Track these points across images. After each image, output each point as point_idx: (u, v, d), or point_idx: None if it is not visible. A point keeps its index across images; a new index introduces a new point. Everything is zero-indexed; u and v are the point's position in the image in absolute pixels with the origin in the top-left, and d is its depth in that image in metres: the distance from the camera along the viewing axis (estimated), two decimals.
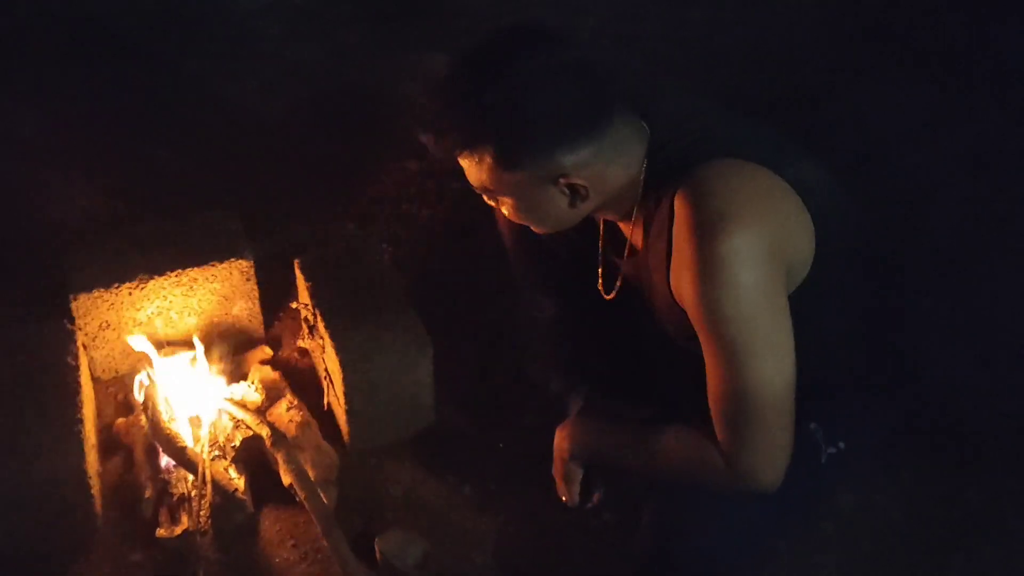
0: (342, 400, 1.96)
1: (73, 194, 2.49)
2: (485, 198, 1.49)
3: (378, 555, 1.77)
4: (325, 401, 2.07)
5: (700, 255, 1.30)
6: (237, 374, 2.11)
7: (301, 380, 2.13)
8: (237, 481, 1.85)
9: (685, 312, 1.37)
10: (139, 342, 2.00)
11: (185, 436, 1.87)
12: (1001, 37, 2.86)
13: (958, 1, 3.03)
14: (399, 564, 1.75)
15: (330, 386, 2.04)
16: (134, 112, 2.71)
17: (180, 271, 2.05)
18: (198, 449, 1.85)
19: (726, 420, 1.35)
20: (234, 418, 1.94)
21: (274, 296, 2.26)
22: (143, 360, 2.00)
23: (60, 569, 1.77)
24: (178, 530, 1.80)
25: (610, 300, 1.62)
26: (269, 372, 2.11)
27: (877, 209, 2.36)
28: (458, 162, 1.41)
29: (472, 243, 1.84)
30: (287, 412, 1.99)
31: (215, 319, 2.14)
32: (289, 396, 2.03)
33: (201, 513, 1.80)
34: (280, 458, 1.83)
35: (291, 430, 1.94)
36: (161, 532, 1.80)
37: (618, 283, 1.59)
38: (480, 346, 2.03)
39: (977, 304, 2.21)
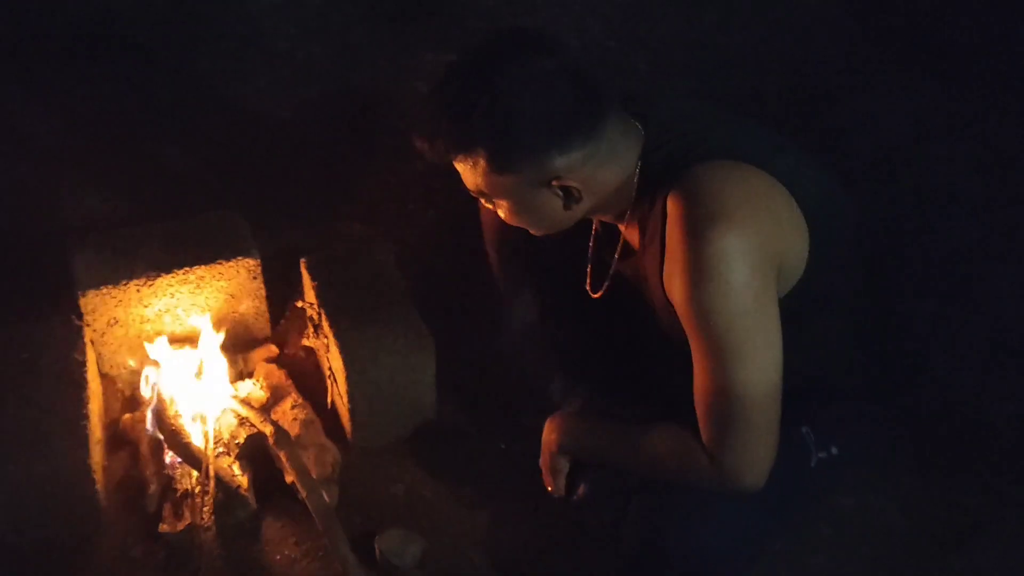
0: (345, 399, 1.97)
1: (82, 192, 2.50)
2: (482, 201, 1.50)
3: (377, 553, 1.78)
4: (329, 400, 2.09)
5: (691, 255, 1.30)
6: (243, 372, 2.13)
7: (306, 378, 2.14)
8: (240, 478, 1.86)
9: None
10: (157, 349, 2.01)
11: (191, 432, 1.89)
12: (1013, 39, 2.84)
13: (970, 3, 3.01)
14: (398, 562, 1.76)
15: (334, 385, 2.05)
16: (143, 111, 2.71)
17: (188, 269, 2.06)
18: (203, 446, 1.87)
19: (711, 419, 1.36)
20: (239, 415, 1.95)
21: (281, 295, 2.27)
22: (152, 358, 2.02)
23: (64, 562, 1.79)
24: (181, 525, 1.81)
25: (596, 299, 1.63)
26: (274, 370, 2.13)
27: (887, 210, 2.36)
28: (453, 165, 1.43)
29: (477, 244, 1.85)
30: (292, 410, 2.00)
31: (222, 317, 2.15)
32: (294, 394, 2.05)
33: (204, 509, 1.81)
34: (283, 456, 1.85)
35: (295, 428, 1.95)
36: (164, 527, 1.81)
37: (607, 283, 1.60)
38: (481, 346, 2.03)
39: (981, 306, 2.20)
